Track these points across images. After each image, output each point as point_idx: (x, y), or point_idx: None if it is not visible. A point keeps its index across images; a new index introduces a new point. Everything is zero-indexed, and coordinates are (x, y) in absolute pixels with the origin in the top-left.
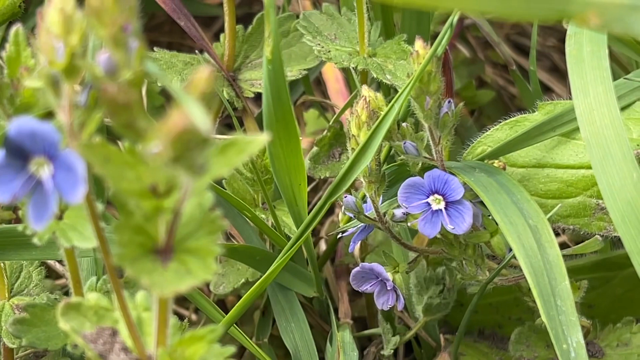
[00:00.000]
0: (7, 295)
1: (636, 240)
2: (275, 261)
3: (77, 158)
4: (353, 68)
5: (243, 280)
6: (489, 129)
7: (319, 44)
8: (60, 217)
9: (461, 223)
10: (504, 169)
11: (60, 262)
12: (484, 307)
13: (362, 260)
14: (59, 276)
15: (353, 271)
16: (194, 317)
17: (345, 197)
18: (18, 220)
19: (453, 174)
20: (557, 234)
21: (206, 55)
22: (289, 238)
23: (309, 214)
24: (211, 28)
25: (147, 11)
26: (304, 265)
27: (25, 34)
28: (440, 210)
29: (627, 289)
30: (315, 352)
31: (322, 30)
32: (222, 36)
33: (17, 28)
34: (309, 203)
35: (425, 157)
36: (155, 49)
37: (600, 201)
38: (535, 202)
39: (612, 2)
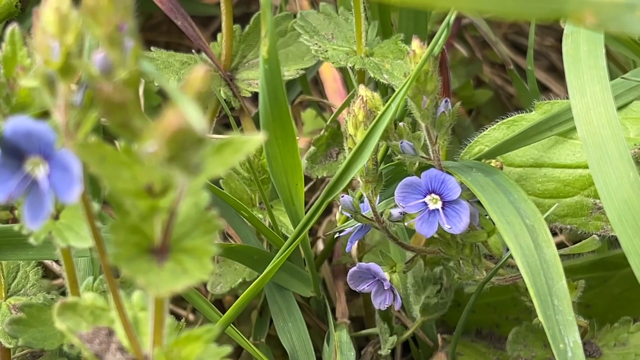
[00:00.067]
0: (3, 295)
1: (633, 239)
2: (272, 261)
3: (73, 158)
4: (350, 68)
5: (240, 280)
6: (487, 129)
7: (316, 44)
8: (56, 217)
9: (458, 223)
10: (501, 168)
11: (57, 262)
12: (481, 306)
13: (360, 260)
14: (56, 276)
15: (350, 271)
16: (191, 317)
17: (342, 196)
18: (15, 220)
19: (450, 174)
20: (554, 234)
21: (203, 55)
22: (286, 238)
23: (306, 213)
24: (209, 28)
25: (145, 11)
26: (301, 265)
27: (22, 34)
28: (437, 209)
29: (624, 289)
30: (312, 352)
31: (319, 29)
32: (219, 36)
33: (13, 28)
34: (306, 203)
35: (422, 157)
36: (152, 48)
37: (598, 201)
38: (532, 201)
39: (607, 1)
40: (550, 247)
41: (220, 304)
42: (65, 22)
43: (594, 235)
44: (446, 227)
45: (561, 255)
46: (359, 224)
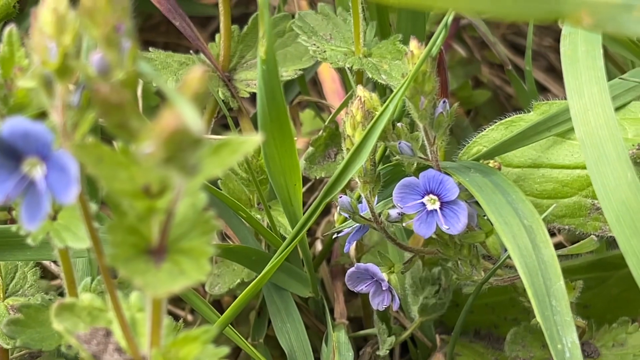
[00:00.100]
0: (2, 296)
1: (631, 240)
2: (271, 261)
3: (70, 158)
4: (348, 68)
5: (238, 280)
6: (485, 129)
7: (315, 44)
8: (54, 218)
9: (456, 223)
10: (499, 169)
11: (55, 262)
12: (479, 307)
13: (358, 261)
14: (54, 277)
15: (348, 271)
16: (189, 317)
17: (340, 197)
18: (13, 221)
19: (448, 174)
20: (553, 234)
21: (201, 55)
22: (284, 238)
23: (304, 214)
24: (207, 28)
25: (144, 11)
26: (299, 265)
27: (19, 34)
28: (435, 210)
29: (622, 289)
30: (310, 353)
31: (317, 30)
32: (217, 36)
33: (10, 28)
34: (305, 203)
35: (420, 157)
36: (150, 49)
37: (596, 201)
38: (530, 202)
39: (604, 2)
40: (548, 248)
41: (218, 305)
42: (62, 22)
43: (592, 236)
44: (444, 227)
45: (559, 256)
46: (357, 224)
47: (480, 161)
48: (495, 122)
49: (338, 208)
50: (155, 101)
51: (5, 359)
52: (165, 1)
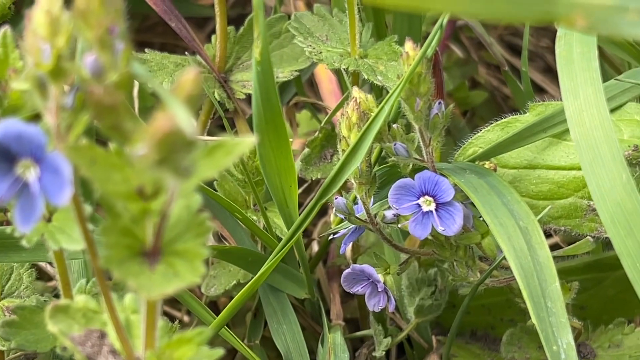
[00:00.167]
0: None
1: (625, 241)
2: (266, 263)
3: (64, 160)
4: (344, 69)
5: (234, 281)
6: (481, 130)
7: (310, 45)
8: (49, 219)
9: (452, 224)
10: (495, 170)
11: (51, 264)
12: (476, 308)
13: (354, 262)
14: (50, 278)
15: (344, 273)
16: (186, 318)
17: (336, 198)
18: (9, 222)
19: (444, 175)
20: (549, 235)
21: (198, 56)
22: (280, 240)
23: (300, 215)
24: (204, 29)
25: (140, 12)
26: (295, 266)
27: (14, 36)
28: (431, 211)
29: (619, 290)
30: (306, 354)
31: (313, 31)
32: (213, 37)
33: (5, 30)
34: (301, 204)
35: (416, 159)
36: (146, 50)
37: (592, 202)
38: (525, 203)
39: (597, 4)
40: (543, 249)
41: (215, 306)
42: (56, 24)
43: (588, 237)
44: (440, 229)
45: (555, 257)
46: (353, 226)
47: (476, 162)
48: (492, 123)
49: (334, 209)
50: (152, 102)
51: None
52: (161, 2)
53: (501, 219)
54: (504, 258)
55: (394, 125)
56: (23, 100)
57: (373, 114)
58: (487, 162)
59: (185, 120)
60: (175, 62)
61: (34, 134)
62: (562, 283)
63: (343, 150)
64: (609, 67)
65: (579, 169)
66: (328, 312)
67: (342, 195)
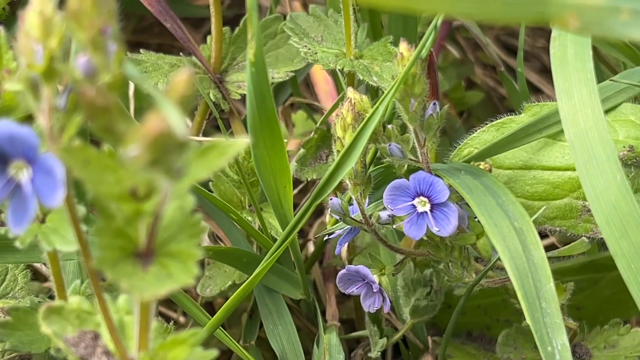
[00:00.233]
0: None
1: (620, 242)
2: (261, 263)
3: (56, 162)
4: (339, 70)
5: (230, 282)
6: (476, 131)
7: (306, 46)
8: (42, 220)
9: (446, 225)
10: (490, 171)
11: (46, 265)
12: (472, 309)
13: (350, 262)
14: (46, 279)
15: (339, 273)
16: (182, 319)
17: (330, 199)
18: (4, 224)
19: (439, 176)
20: (545, 236)
21: (193, 57)
22: (275, 240)
23: (295, 216)
24: (200, 30)
25: (136, 13)
26: (291, 267)
27: (8, 37)
28: (426, 212)
29: (614, 291)
30: (302, 355)
31: (308, 32)
32: (209, 38)
33: None
34: (298, 205)
35: (411, 159)
36: (141, 50)
37: (587, 203)
38: (520, 204)
39: (589, 4)
40: (538, 250)
41: (210, 307)
42: (48, 25)
43: (583, 238)
44: (434, 229)
45: (551, 258)
46: (348, 226)
47: (472, 163)
48: (487, 123)
49: (329, 210)
50: (148, 103)
51: None
52: (157, 3)
53: (496, 219)
54: (499, 259)
55: (389, 126)
56: (16, 101)
57: (368, 115)
58: (483, 163)
59: (177, 122)
60: (170, 62)
61: (26, 135)
62: (558, 284)
63: (338, 151)
64: (605, 67)
65: (574, 169)
66: (324, 313)
67: (337, 196)
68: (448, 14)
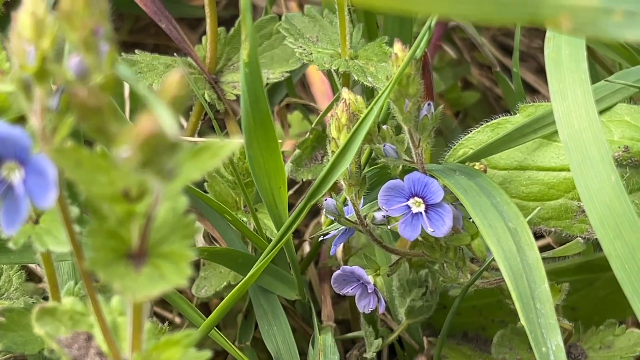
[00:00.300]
0: None
1: (614, 243)
2: (256, 264)
3: (48, 163)
4: (334, 70)
5: (225, 283)
6: (471, 131)
7: (301, 46)
8: (36, 221)
9: (441, 226)
10: (485, 171)
11: (41, 265)
12: (467, 309)
13: (345, 263)
14: (41, 280)
15: (334, 274)
16: (177, 320)
17: (325, 199)
18: None
19: (433, 177)
20: (541, 236)
21: (188, 58)
22: (270, 241)
23: (290, 216)
24: (197, 30)
25: (133, 13)
26: (286, 268)
27: (2, 38)
28: (420, 213)
29: (609, 291)
30: (297, 356)
31: (304, 32)
32: (204, 38)
33: None
34: (293, 205)
35: (405, 160)
36: (136, 51)
37: (582, 203)
38: (515, 204)
39: (582, 5)
40: (532, 250)
41: (206, 307)
42: (41, 26)
43: (578, 238)
44: (429, 230)
45: (546, 258)
46: (343, 227)
47: (466, 163)
48: (483, 124)
49: (324, 210)
50: (143, 104)
51: None
52: (152, 3)
53: (490, 220)
54: (494, 259)
55: (384, 127)
56: (9, 102)
57: (362, 116)
58: (478, 163)
59: (169, 123)
60: (165, 63)
61: (18, 136)
62: (552, 284)
63: (332, 151)
64: (601, 68)
65: (569, 170)
66: (319, 314)
67: (332, 197)
68: (442, 15)
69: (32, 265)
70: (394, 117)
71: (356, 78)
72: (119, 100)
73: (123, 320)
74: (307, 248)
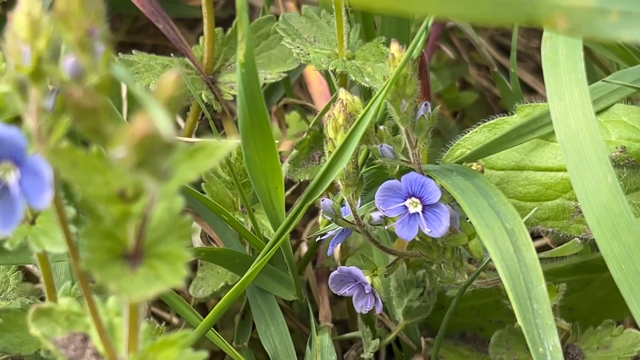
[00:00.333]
0: None
1: (611, 243)
2: (253, 264)
3: (44, 163)
4: (332, 71)
5: (222, 283)
6: (469, 132)
7: (298, 47)
8: (32, 222)
9: (438, 226)
10: (482, 171)
11: (38, 266)
12: (465, 310)
13: (343, 263)
14: (38, 280)
15: (332, 274)
16: (175, 320)
17: (322, 200)
18: None
19: (430, 177)
20: (539, 237)
21: (186, 58)
22: (267, 241)
23: (287, 217)
24: (195, 30)
25: (131, 14)
26: (283, 268)
27: None
28: (418, 213)
29: (607, 292)
30: (294, 356)
31: (301, 32)
32: (201, 39)
33: None
34: (290, 206)
35: (403, 160)
36: (133, 51)
37: (579, 204)
38: (512, 205)
39: (578, 5)
40: (529, 251)
41: (204, 308)
42: (36, 27)
43: (575, 239)
44: (426, 230)
45: (543, 259)
46: (341, 227)
47: (464, 164)
48: (480, 124)
49: (321, 211)
50: (140, 104)
51: None
52: (149, 4)
53: (488, 220)
54: (491, 260)
55: (381, 127)
56: (4, 102)
57: (359, 116)
58: (475, 164)
59: (164, 123)
60: (162, 63)
61: (13, 136)
62: (550, 285)
63: (329, 152)
64: (599, 68)
65: (566, 170)
66: (317, 314)
67: (329, 197)
68: (440, 16)
69: (30, 266)
70: (391, 117)
71: (353, 78)
72: (117, 100)
73: (119, 320)
74: (304, 248)
